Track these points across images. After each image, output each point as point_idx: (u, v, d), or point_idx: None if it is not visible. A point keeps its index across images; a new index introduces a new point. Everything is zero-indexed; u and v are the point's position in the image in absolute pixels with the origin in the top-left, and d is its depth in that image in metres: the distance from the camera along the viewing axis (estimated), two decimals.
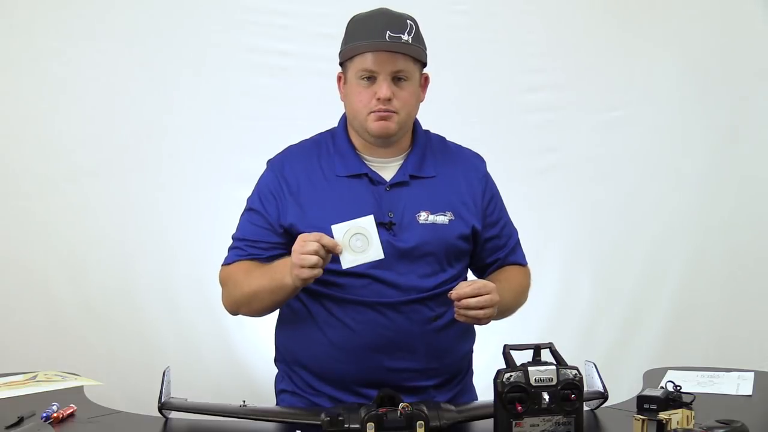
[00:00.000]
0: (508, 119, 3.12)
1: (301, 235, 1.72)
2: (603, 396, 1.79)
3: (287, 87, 3.05)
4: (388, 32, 1.80)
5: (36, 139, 3.01)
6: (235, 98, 3.05)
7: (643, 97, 3.13)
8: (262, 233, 1.89)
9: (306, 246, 1.68)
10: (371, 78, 1.82)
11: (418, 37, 1.85)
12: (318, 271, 1.69)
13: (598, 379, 1.82)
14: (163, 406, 1.75)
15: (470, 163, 1.98)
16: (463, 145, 2.03)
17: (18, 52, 2.98)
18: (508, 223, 2.02)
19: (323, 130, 1.99)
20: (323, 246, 1.68)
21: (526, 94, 3.13)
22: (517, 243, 2.03)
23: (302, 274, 1.69)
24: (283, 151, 1.98)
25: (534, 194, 3.07)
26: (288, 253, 1.77)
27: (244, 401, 1.77)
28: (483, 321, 1.78)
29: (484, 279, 1.96)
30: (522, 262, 2.03)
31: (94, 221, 3.02)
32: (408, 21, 1.84)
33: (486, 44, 3.09)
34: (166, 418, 1.77)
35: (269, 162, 1.97)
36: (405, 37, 1.81)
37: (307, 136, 1.99)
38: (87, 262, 3.02)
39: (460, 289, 1.74)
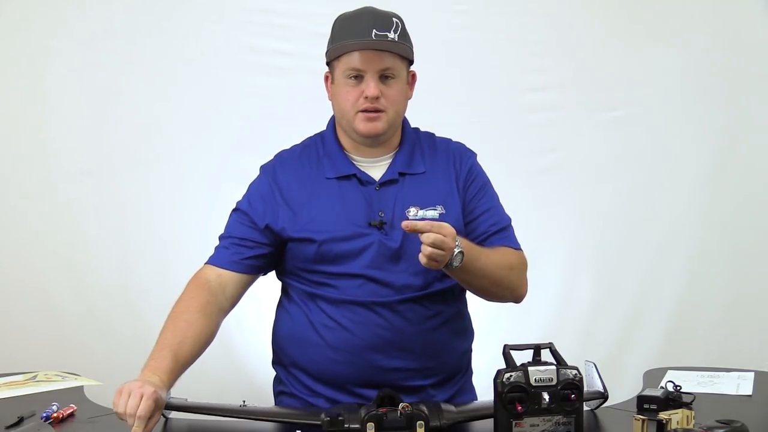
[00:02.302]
0: (508, 119, 3.12)
1: (123, 388, 1.60)
2: (603, 396, 1.79)
3: (286, 87, 3.04)
4: (374, 30, 1.80)
5: (34, 140, 3.01)
6: (234, 98, 3.05)
7: (643, 97, 3.13)
8: (246, 231, 1.89)
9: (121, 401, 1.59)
10: (358, 77, 1.83)
11: (404, 35, 1.85)
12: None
13: (598, 379, 1.82)
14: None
15: (457, 155, 1.95)
16: (463, 144, 2.02)
17: (16, 52, 2.98)
18: (493, 209, 1.94)
19: (314, 134, 1.99)
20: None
21: (526, 94, 3.13)
22: (505, 228, 1.95)
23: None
24: (275, 157, 1.98)
25: (534, 194, 3.07)
26: (273, 253, 1.88)
27: (244, 401, 1.76)
28: (428, 261, 1.69)
29: None
30: (512, 245, 1.94)
31: (93, 222, 3.02)
32: (394, 19, 1.84)
33: (486, 44, 3.08)
34: (166, 418, 1.76)
35: (262, 168, 1.97)
36: (391, 35, 1.81)
37: (306, 137, 2.00)
38: (86, 262, 3.02)
39: (415, 224, 1.68)
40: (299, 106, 2.98)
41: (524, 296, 1.96)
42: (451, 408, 1.70)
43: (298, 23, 3.04)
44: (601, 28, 3.12)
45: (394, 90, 1.84)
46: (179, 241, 3.02)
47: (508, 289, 1.91)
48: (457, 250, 1.70)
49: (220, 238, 1.95)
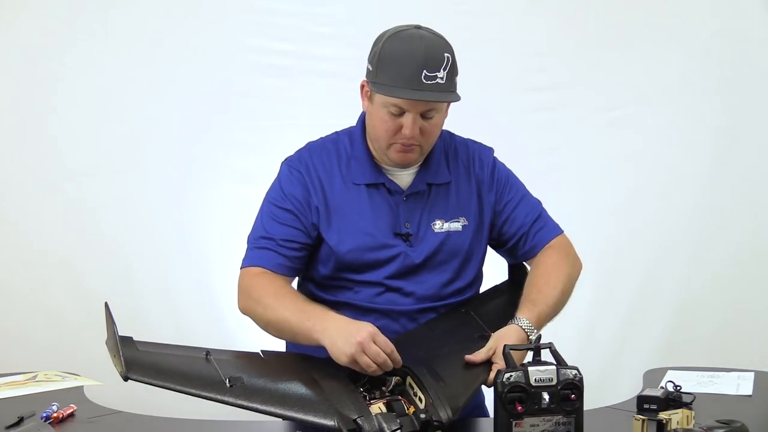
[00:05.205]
0: (508, 119, 3.12)
1: (374, 332, 1.61)
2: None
3: (287, 87, 3.04)
4: (424, 71, 1.69)
5: (35, 139, 3.01)
6: (234, 98, 3.05)
7: (643, 97, 3.13)
8: (295, 233, 1.83)
9: (372, 350, 1.60)
10: (399, 113, 1.76)
11: (453, 69, 1.74)
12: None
13: None
14: (129, 370, 1.54)
15: (476, 159, 1.94)
16: (480, 143, 2.01)
17: (17, 52, 2.98)
18: (524, 199, 1.96)
19: (339, 129, 1.94)
20: (389, 359, 1.61)
21: (526, 94, 3.13)
22: (539, 216, 1.96)
23: (352, 366, 1.62)
24: (303, 149, 1.92)
25: (534, 194, 3.06)
26: (309, 254, 1.83)
27: (207, 352, 1.66)
28: None
29: (521, 262, 1.97)
30: (550, 234, 1.95)
31: (93, 221, 3.02)
32: (446, 54, 1.72)
33: (487, 44, 3.08)
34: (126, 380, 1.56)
35: (288, 161, 1.90)
36: (441, 74, 1.70)
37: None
38: (86, 262, 3.02)
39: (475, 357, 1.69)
40: (301, 106, 2.99)
41: (582, 268, 1.96)
42: (443, 383, 1.62)
43: (298, 23, 3.04)
44: (601, 28, 3.12)
45: (433, 124, 1.78)
46: (179, 240, 3.03)
47: (573, 288, 1.91)
48: (533, 336, 1.73)
49: (257, 237, 1.85)
